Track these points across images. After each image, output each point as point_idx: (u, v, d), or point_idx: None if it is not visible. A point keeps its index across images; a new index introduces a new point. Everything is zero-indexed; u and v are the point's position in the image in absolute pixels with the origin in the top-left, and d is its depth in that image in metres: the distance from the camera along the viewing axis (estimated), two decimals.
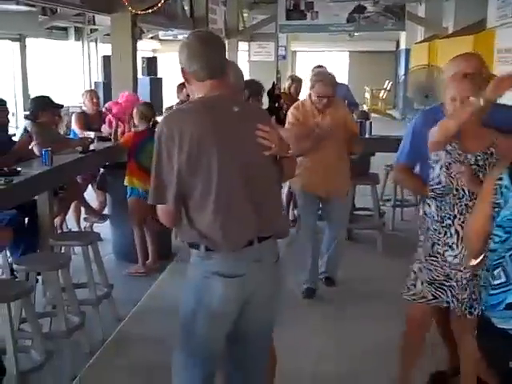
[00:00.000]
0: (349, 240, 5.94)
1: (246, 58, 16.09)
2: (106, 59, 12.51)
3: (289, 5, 12.76)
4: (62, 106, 5.74)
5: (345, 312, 4.59)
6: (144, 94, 11.22)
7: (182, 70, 2.43)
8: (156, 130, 2.38)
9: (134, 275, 5.38)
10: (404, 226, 6.80)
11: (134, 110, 5.52)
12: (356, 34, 15.38)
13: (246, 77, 4.32)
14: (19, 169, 4.33)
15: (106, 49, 13.87)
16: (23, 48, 11.99)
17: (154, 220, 5.38)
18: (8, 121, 5.29)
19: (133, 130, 5.73)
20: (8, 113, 5.22)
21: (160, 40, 19.23)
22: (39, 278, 4.32)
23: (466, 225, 2.66)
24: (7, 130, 5.34)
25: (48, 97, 5.59)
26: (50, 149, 4.65)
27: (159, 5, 7.16)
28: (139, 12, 6.92)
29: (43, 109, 5.41)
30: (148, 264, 5.47)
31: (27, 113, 5.56)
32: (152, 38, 18.13)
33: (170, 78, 17.14)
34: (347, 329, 4.28)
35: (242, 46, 15.43)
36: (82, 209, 6.29)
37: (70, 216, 6.23)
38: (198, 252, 2.36)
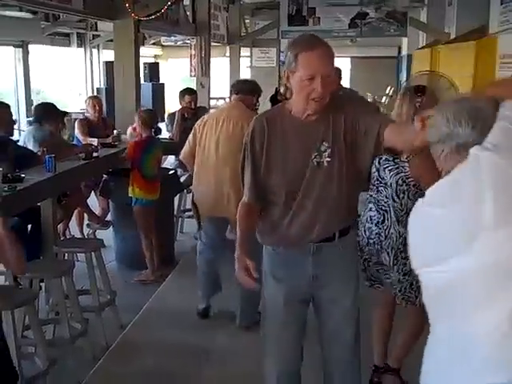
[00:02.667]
0: None
1: (248, 63, 16.09)
2: (109, 65, 12.51)
3: (291, 10, 12.76)
4: (66, 113, 5.73)
5: None
6: (146, 99, 11.23)
7: None
8: None
9: (144, 283, 5.36)
10: None
11: (136, 117, 5.43)
12: (358, 39, 15.38)
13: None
14: (23, 175, 4.32)
15: (108, 54, 13.87)
16: (26, 54, 11.99)
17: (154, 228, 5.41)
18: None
19: (132, 139, 5.63)
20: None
21: (162, 46, 19.27)
22: (42, 284, 4.32)
23: None
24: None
25: (52, 104, 5.59)
26: (53, 155, 4.61)
27: (162, 10, 7.16)
28: (142, 18, 6.92)
29: (48, 116, 5.39)
30: (148, 272, 5.49)
31: (30, 119, 5.54)
32: (154, 43, 18.17)
33: (172, 84, 17.20)
34: None
35: (244, 51, 15.44)
36: (85, 215, 6.30)
37: (73, 222, 6.24)
38: None
